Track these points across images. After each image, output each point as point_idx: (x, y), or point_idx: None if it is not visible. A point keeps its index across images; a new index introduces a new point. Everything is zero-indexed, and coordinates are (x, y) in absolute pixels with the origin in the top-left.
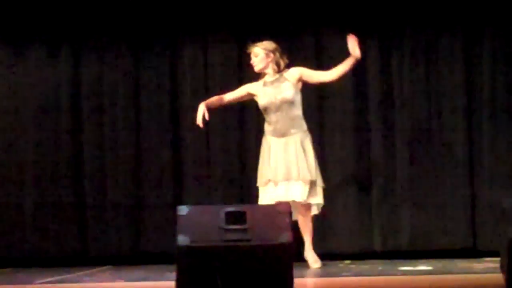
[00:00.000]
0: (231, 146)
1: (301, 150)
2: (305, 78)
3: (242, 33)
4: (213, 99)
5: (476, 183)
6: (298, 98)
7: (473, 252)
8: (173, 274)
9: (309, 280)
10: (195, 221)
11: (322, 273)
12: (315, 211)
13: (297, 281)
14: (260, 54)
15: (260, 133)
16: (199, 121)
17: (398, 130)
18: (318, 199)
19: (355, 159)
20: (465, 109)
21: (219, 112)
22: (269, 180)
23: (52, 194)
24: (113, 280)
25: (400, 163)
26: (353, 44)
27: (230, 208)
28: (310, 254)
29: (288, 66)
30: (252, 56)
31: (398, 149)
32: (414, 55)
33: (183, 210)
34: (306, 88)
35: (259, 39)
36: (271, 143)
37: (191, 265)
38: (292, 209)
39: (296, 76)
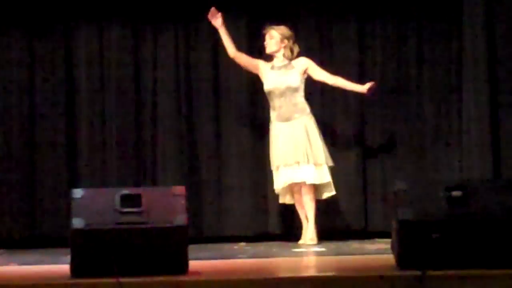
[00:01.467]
0: (127, 129)
1: (306, 133)
2: (310, 71)
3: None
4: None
5: (367, 164)
6: (303, 86)
7: (365, 234)
8: (68, 257)
9: (204, 263)
10: (90, 203)
11: (218, 255)
12: (328, 193)
13: (192, 263)
14: (276, 37)
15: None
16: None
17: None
18: (326, 179)
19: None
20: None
21: (115, 96)
22: (279, 165)
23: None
24: (6, 264)
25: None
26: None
27: (126, 191)
28: (310, 231)
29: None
30: (267, 37)
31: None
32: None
33: (77, 193)
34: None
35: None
36: (277, 128)
37: (86, 248)
38: (287, 192)
39: (304, 67)
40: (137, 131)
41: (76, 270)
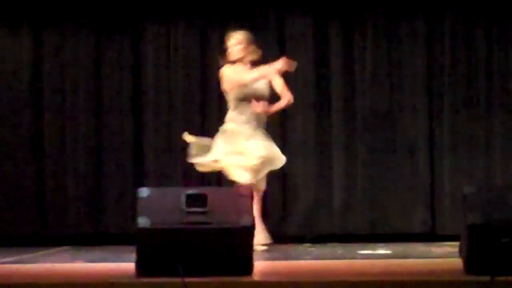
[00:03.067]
0: (193, 129)
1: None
2: (272, 82)
3: (207, 16)
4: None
5: (436, 167)
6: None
7: (432, 237)
8: (133, 256)
9: (269, 263)
10: (155, 203)
11: (282, 257)
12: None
13: (257, 263)
14: (241, 43)
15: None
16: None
17: (359, 113)
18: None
19: (316, 142)
20: (426, 93)
21: (182, 96)
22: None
23: (11, 173)
24: (72, 261)
25: (361, 146)
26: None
27: (191, 191)
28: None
29: None
30: (233, 42)
31: (359, 132)
32: (375, 38)
33: (143, 192)
34: None
35: (224, 22)
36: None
37: (151, 247)
38: None
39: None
40: (202, 131)
41: (141, 269)
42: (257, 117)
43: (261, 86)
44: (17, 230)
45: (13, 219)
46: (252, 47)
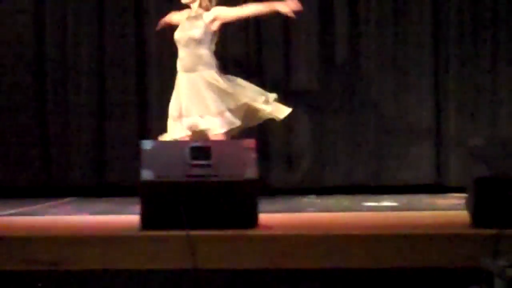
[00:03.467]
0: None
1: (207, 85)
2: (221, 17)
3: None
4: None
5: (442, 118)
6: (208, 38)
7: (438, 188)
8: (137, 208)
9: (274, 216)
10: (159, 156)
11: (287, 208)
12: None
13: (261, 216)
14: None
15: None
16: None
17: (364, 65)
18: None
19: (322, 89)
20: (432, 41)
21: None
22: (178, 116)
23: (15, 123)
24: (76, 213)
25: (367, 93)
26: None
27: (195, 144)
28: None
29: None
30: None
31: (364, 82)
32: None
33: (147, 144)
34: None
35: None
36: (179, 78)
37: (156, 200)
38: None
39: (211, 17)
40: None
41: (146, 222)
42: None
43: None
44: (20, 181)
45: (16, 170)
46: None
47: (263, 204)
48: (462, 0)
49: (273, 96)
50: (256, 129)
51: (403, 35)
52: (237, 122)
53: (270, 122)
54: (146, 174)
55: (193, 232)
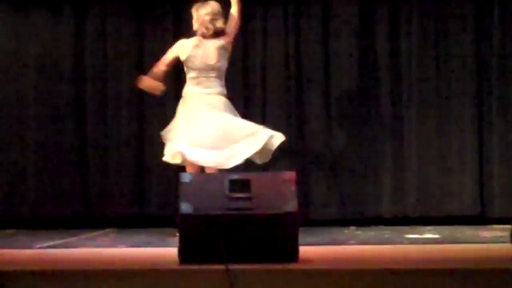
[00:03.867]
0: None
1: None
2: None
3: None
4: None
5: (485, 149)
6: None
7: (481, 220)
8: (176, 240)
9: (315, 248)
10: (198, 188)
11: (328, 240)
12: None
13: (302, 249)
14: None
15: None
16: None
17: (406, 91)
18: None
19: (362, 124)
20: (475, 73)
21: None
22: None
23: (55, 154)
24: (115, 246)
25: (408, 125)
26: None
27: (235, 176)
28: None
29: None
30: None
31: (406, 112)
32: (423, 20)
33: (186, 177)
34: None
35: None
36: None
37: (194, 233)
38: None
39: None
40: (246, 112)
41: (184, 255)
42: None
43: None
44: (60, 212)
45: (57, 202)
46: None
47: (303, 235)
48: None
49: None
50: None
51: (445, 58)
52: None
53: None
54: (185, 207)
55: (232, 266)
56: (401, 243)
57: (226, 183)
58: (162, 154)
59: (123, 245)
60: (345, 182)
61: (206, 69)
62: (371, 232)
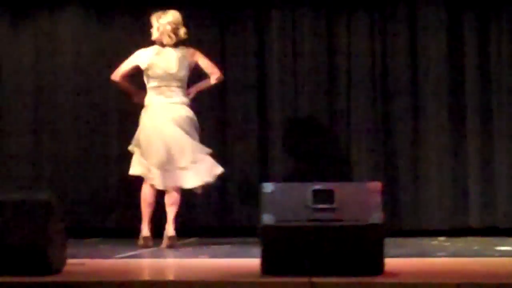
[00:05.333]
0: (320, 121)
1: None
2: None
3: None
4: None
5: None
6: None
7: None
8: (258, 251)
9: (401, 261)
10: (280, 199)
11: (415, 252)
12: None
13: (387, 261)
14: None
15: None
16: None
17: (496, 98)
18: None
19: (450, 133)
20: None
21: (308, 87)
22: None
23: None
24: (196, 256)
25: (498, 136)
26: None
27: (318, 186)
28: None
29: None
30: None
31: (497, 120)
32: None
33: (268, 187)
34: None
35: (352, 12)
36: None
37: (277, 244)
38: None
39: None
40: (330, 123)
41: (267, 267)
42: None
43: None
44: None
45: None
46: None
47: (389, 246)
48: None
49: None
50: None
51: None
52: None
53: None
54: (267, 218)
55: (316, 279)
56: (492, 255)
57: (309, 194)
58: (241, 163)
59: (205, 255)
60: (433, 192)
61: (167, 78)
62: (460, 244)
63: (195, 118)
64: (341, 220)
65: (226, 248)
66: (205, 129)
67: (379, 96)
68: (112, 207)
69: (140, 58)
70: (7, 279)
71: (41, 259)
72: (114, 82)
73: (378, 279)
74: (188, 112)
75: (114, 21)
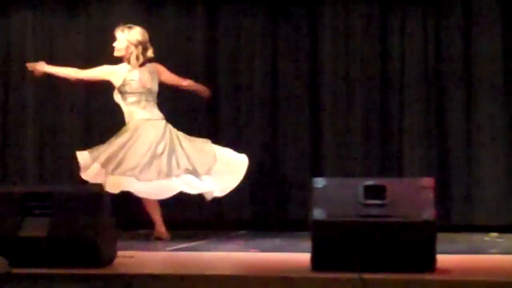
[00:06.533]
0: (373, 117)
1: None
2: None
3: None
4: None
5: None
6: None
7: None
8: (309, 245)
9: (453, 257)
10: (332, 194)
11: (467, 249)
12: None
13: (439, 257)
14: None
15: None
16: None
17: None
18: None
19: (505, 130)
20: None
21: (360, 82)
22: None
23: None
24: (247, 250)
25: None
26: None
27: (369, 182)
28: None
29: None
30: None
31: None
32: None
33: (319, 182)
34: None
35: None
36: None
37: (327, 240)
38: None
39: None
40: (383, 120)
41: (317, 263)
42: None
43: None
44: (195, 213)
45: (190, 205)
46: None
47: (441, 243)
48: None
49: None
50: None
51: None
52: None
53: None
54: (318, 213)
55: (366, 275)
56: None
57: (361, 189)
58: (293, 157)
59: (255, 249)
60: (486, 187)
61: (145, 93)
62: None
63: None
64: (392, 216)
65: (276, 241)
66: (256, 124)
67: (433, 94)
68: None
69: (113, 75)
70: (59, 271)
71: (92, 251)
72: (74, 80)
73: (430, 276)
74: (171, 127)
75: (165, 12)
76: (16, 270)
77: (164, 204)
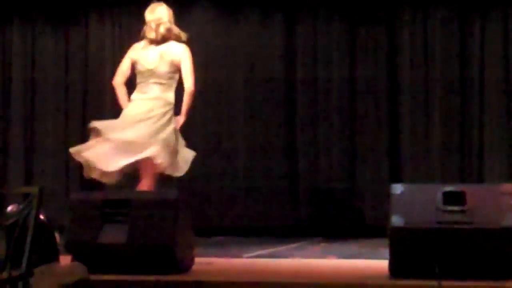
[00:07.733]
0: (451, 118)
1: None
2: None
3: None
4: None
5: None
6: None
7: None
8: (387, 252)
9: None
10: (410, 200)
11: None
12: None
13: None
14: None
15: None
16: None
17: None
18: None
19: None
20: None
21: (441, 88)
22: None
23: (265, 168)
24: (324, 256)
25: None
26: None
27: (449, 188)
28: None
29: None
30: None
31: None
32: None
33: (397, 188)
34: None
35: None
36: None
37: (405, 247)
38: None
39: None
40: (462, 125)
41: (395, 269)
42: None
43: None
44: (271, 219)
45: (268, 211)
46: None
47: None
48: None
49: None
50: None
51: None
52: None
53: None
54: (396, 220)
55: (446, 283)
56: None
57: (439, 195)
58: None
59: (332, 256)
60: None
61: (146, 75)
62: None
63: (161, 111)
64: (472, 223)
65: (354, 248)
66: (335, 128)
67: None
68: (233, 206)
69: (133, 51)
70: (136, 277)
71: (169, 258)
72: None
73: (511, 284)
74: (154, 106)
75: (242, 17)
76: (94, 277)
77: (247, 211)
